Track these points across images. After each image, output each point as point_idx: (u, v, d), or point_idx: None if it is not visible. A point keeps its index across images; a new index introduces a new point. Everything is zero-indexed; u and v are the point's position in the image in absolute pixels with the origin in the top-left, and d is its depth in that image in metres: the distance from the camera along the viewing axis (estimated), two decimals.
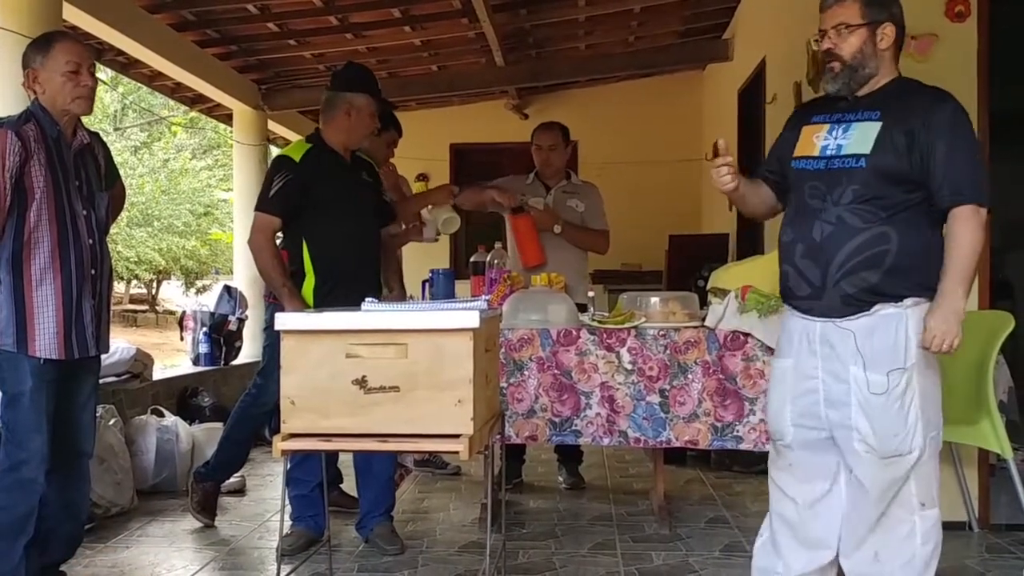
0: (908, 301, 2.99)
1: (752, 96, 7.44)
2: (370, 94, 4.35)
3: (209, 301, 7.77)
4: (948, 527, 4.55)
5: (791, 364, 3.17)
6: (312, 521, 4.39)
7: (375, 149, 5.01)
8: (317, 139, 4.35)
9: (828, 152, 3.06)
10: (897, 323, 2.99)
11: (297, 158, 4.24)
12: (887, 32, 3.04)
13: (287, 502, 4.29)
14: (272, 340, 4.47)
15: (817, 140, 3.10)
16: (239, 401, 4.66)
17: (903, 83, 3.11)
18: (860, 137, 3.01)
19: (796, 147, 3.17)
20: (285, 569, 3.80)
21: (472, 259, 5.33)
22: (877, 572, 3.08)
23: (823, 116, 3.16)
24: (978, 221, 2.94)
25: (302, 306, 4.14)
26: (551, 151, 5.57)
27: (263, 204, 4.23)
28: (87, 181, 3.59)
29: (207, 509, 4.77)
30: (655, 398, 4.38)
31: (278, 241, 4.34)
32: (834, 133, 3.08)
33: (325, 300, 4.16)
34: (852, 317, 3.00)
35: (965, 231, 2.93)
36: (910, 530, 3.06)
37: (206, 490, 4.77)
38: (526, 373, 4.45)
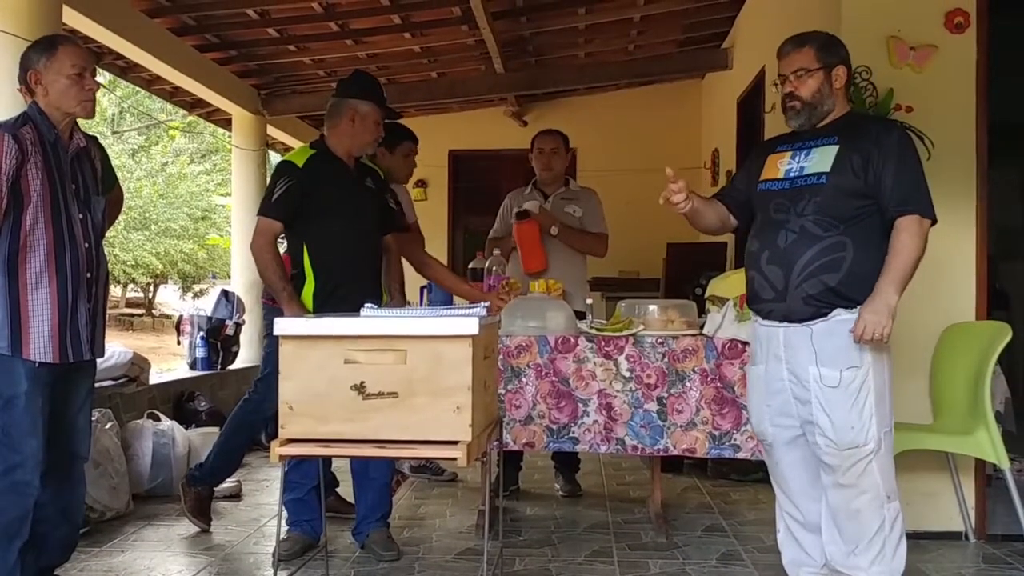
0: (860, 307, 3.29)
1: (751, 105, 7.45)
2: (375, 102, 4.35)
3: (206, 305, 7.75)
4: (945, 537, 4.61)
5: (762, 370, 3.53)
6: (308, 526, 4.38)
7: (396, 167, 5.08)
8: (321, 145, 4.37)
9: (792, 174, 3.45)
10: (851, 327, 3.28)
11: (300, 163, 4.27)
12: (839, 73, 3.46)
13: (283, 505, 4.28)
14: (273, 347, 4.48)
15: (781, 165, 3.51)
16: (238, 407, 4.64)
17: (855, 115, 3.60)
18: (820, 159, 3.40)
19: (762, 172, 3.57)
20: (282, 575, 3.79)
21: (471, 265, 5.32)
22: (854, 565, 3.41)
23: (786, 146, 3.57)
24: (920, 231, 3.30)
25: (301, 310, 4.15)
26: (552, 155, 5.63)
27: (265, 208, 4.26)
28: (84, 185, 3.58)
29: (203, 513, 4.76)
30: (653, 406, 4.38)
31: (283, 248, 4.36)
32: (796, 159, 3.48)
33: (324, 304, 4.17)
34: (812, 320, 3.34)
35: (908, 238, 3.27)
36: (881, 523, 3.38)
37: (200, 494, 4.76)
38: (524, 380, 4.45)
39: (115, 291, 20.84)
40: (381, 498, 4.42)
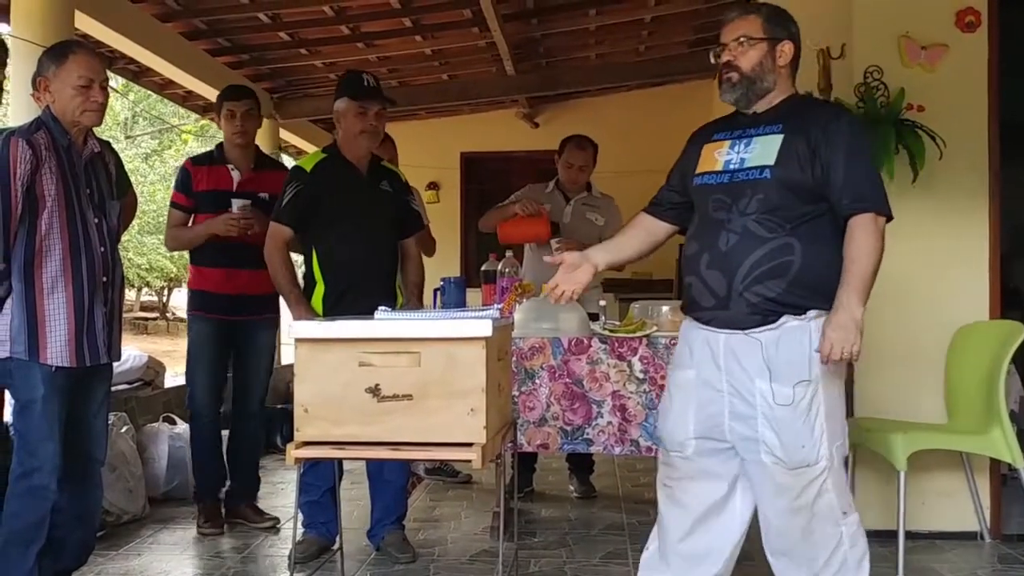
0: (811, 314, 2.99)
1: None
2: (349, 96, 4.36)
3: None
4: (960, 537, 4.61)
5: (693, 375, 3.14)
6: (324, 528, 4.40)
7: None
8: (333, 149, 4.42)
9: (731, 167, 3.09)
10: (801, 336, 2.98)
11: (308, 168, 4.33)
12: (785, 50, 3.12)
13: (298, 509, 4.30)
14: (188, 349, 4.86)
15: (719, 156, 3.15)
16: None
17: (800, 99, 3.21)
18: (763, 150, 3.05)
19: (698, 165, 3.20)
20: None
21: (483, 268, 5.33)
22: None
23: (724, 134, 3.21)
24: (877, 229, 2.97)
25: (307, 313, 4.20)
26: (581, 171, 5.67)
27: (275, 213, 4.31)
28: (98, 189, 3.60)
29: (211, 519, 4.82)
30: None
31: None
32: (736, 148, 3.12)
33: (334, 309, 4.20)
34: (758, 329, 2.99)
35: (865, 238, 2.95)
36: (838, 540, 3.08)
37: (207, 507, 4.85)
38: (537, 382, 4.45)
39: (130, 295, 20.91)
40: (396, 500, 4.44)
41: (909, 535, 4.29)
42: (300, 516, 4.37)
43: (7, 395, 3.71)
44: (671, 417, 3.22)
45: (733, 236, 3.01)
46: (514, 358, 4.34)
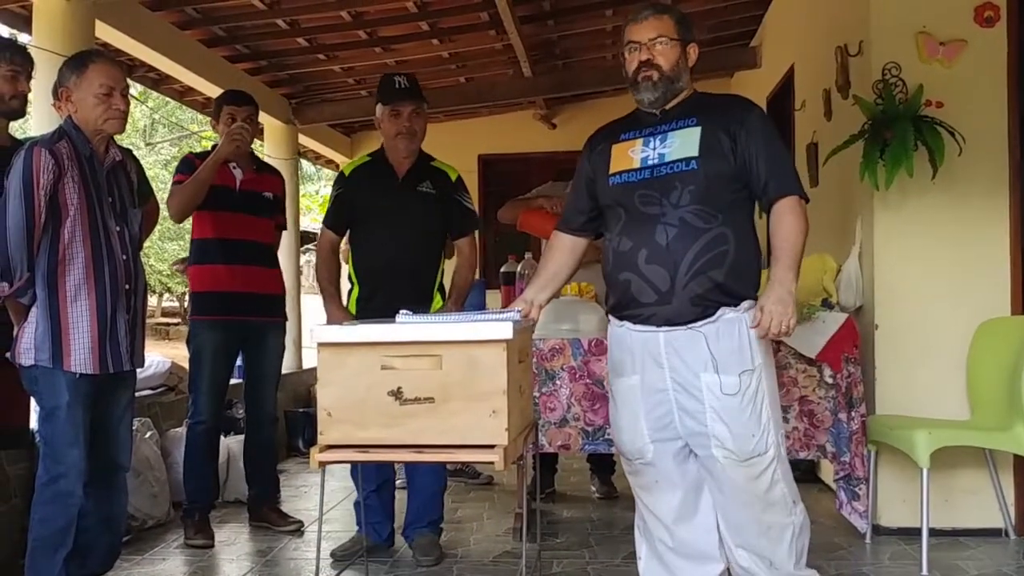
0: (744, 304, 3.07)
1: (781, 103, 7.42)
2: (382, 101, 4.41)
3: None
4: (984, 534, 4.59)
5: (637, 381, 3.17)
6: (370, 528, 4.45)
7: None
8: (377, 153, 4.53)
9: (649, 163, 3.11)
10: (739, 327, 3.05)
11: (347, 173, 4.50)
12: (691, 52, 3.19)
13: (323, 510, 4.35)
14: (191, 356, 4.83)
15: (634, 154, 3.16)
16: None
17: (705, 95, 3.25)
18: (683, 143, 3.09)
19: (610, 165, 3.21)
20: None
21: (503, 270, 5.35)
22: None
23: (631, 133, 3.23)
24: (803, 211, 3.08)
25: (339, 313, 4.31)
26: None
27: (324, 219, 4.54)
28: (120, 197, 3.63)
29: (201, 531, 4.79)
30: None
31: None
32: (651, 144, 3.14)
33: (364, 310, 4.29)
34: (699, 323, 3.04)
35: (794, 219, 3.05)
36: (793, 531, 3.14)
37: (195, 521, 4.82)
38: (558, 383, 4.46)
39: (151, 301, 20.97)
40: (428, 505, 4.45)
41: (933, 532, 4.28)
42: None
43: (32, 402, 3.74)
44: (624, 428, 3.26)
45: (671, 229, 3.04)
46: (534, 359, 4.35)
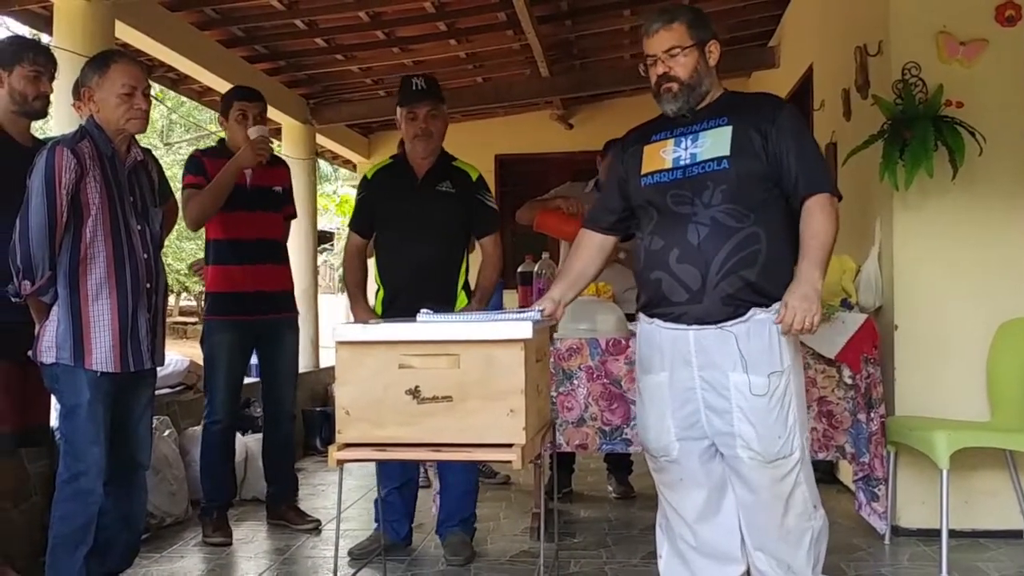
0: (775, 306, 3.03)
1: (800, 103, 7.39)
2: (400, 104, 4.44)
3: None
4: (1005, 536, 4.56)
5: (666, 378, 3.17)
6: (388, 526, 4.45)
7: (233, 136, 4.96)
8: (399, 155, 4.61)
9: (682, 163, 3.11)
10: (769, 327, 3.03)
11: (370, 176, 4.54)
12: (712, 49, 3.16)
13: (341, 509, 4.35)
14: (206, 356, 4.87)
15: (665, 154, 3.16)
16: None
17: (734, 94, 3.26)
18: (714, 142, 3.08)
19: (642, 165, 3.21)
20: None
21: (520, 269, 5.35)
22: None
23: (663, 134, 3.23)
24: (834, 210, 3.04)
25: (363, 313, 4.34)
26: None
27: (349, 222, 4.59)
28: (141, 197, 3.65)
29: (220, 529, 4.81)
30: None
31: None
32: (683, 144, 3.14)
33: (388, 311, 4.32)
34: (730, 322, 3.03)
35: (824, 217, 3.01)
36: (812, 536, 3.13)
37: (213, 519, 4.83)
38: (575, 382, 4.46)
39: (169, 300, 21.05)
40: (458, 504, 4.45)
41: (952, 534, 4.25)
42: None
43: (53, 400, 3.76)
44: (651, 425, 3.25)
45: (703, 228, 3.04)
46: (552, 359, 4.35)
